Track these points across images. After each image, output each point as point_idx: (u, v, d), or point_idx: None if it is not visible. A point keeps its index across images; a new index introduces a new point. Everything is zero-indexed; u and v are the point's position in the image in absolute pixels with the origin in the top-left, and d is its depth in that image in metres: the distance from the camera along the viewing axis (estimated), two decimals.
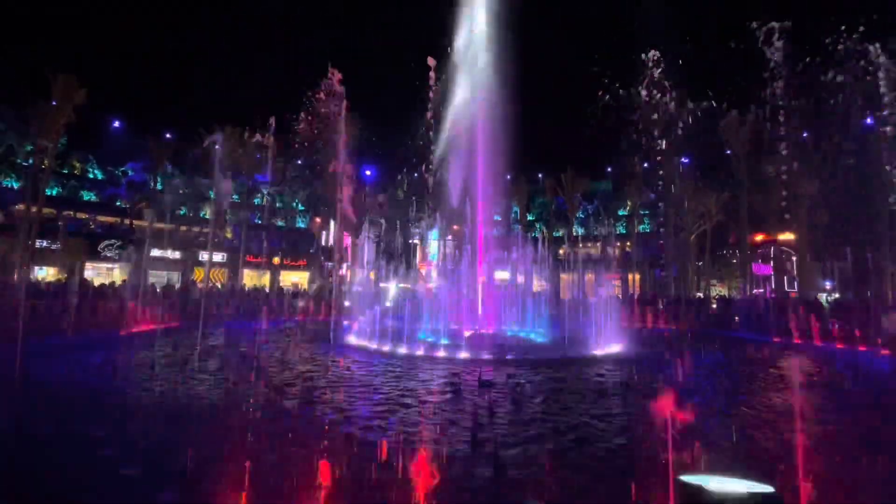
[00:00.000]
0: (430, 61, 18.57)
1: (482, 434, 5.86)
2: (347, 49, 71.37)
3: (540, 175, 46.42)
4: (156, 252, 37.86)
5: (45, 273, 33.63)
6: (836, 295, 30.82)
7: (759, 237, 37.23)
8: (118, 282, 28.18)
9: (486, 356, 12.35)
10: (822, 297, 30.31)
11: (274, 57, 69.83)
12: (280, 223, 47.68)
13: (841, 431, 6.48)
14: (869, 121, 25.99)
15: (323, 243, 43.30)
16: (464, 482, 4.58)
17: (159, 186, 40.59)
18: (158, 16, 67.71)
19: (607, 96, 33.29)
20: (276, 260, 42.26)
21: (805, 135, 28.51)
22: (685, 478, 2.33)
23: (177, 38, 69.13)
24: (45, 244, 33.37)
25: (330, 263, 40.32)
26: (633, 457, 5.43)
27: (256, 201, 43.91)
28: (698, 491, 1.77)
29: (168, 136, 41.05)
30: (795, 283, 34.95)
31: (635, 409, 7.49)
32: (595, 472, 4.95)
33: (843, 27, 24.44)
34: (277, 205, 47.12)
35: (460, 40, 19.55)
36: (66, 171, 40.54)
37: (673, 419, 3.35)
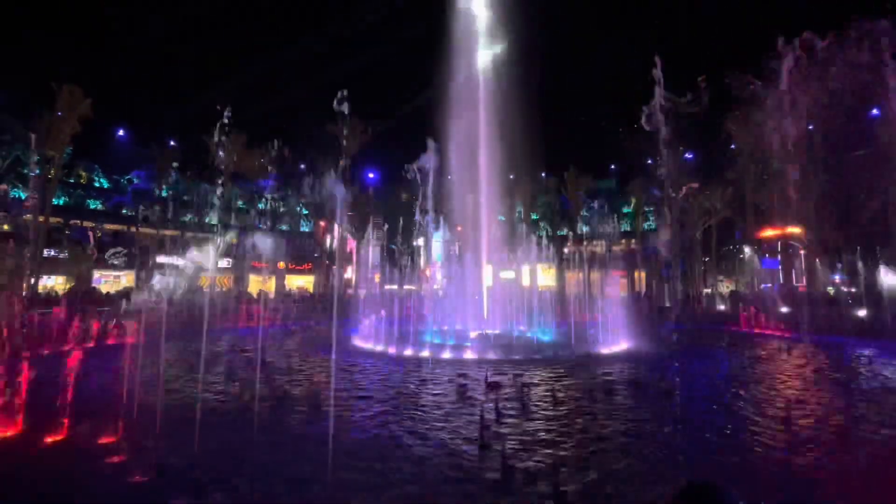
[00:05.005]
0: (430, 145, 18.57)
1: (489, 434, 5.80)
2: (348, 49, 71.64)
3: (543, 174, 46.27)
4: (161, 258, 38.13)
5: (54, 281, 33.94)
6: (845, 289, 30.41)
7: (766, 232, 36.87)
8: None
9: (492, 356, 12.28)
10: (831, 290, 29.94)
11: (277, 60, 70.15)
12: (284, 227, 47.85)
13: None
14: (875, 111, 25.66)
15: (328, 247, 43.39)
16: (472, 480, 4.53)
17: (164, 194, 40.87)
18: (162, 25, 68.22)
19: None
20: (281, 264, 42.37)
21: (811, 126, 28.20)
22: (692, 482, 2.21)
23: (180, 46, 69.56)
24: (52, 253, 33.69)
25: (335, 267, 40.36)
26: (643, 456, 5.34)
27: (261, 206, 44.09)
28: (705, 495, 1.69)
29: (172, 143, 41.36)
30: (804, 278, 34.56)
31: (645, 407, 7.40)
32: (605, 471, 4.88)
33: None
34: (281, 209, 47.31)
35: (461, 40, 19.51)
36: (72, 181, 40.91)
37: None
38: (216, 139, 36.45)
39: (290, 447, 5.47)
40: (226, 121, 33.32)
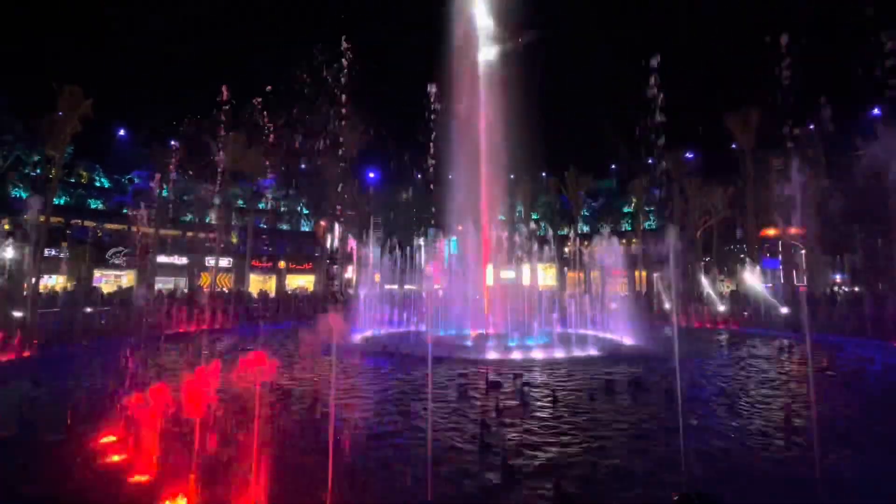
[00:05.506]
0: (431, 89, 18.01)
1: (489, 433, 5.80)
2: (349, 47, 71.31)
3: (543, 174, 46.24)
4: (162, 258, 38.16)
5: (56, 281, 33.99)
6: (846, 288, 30.40)
7: (767, 231, 36.84)
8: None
9: (492, 356, 12.28)
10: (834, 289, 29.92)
11: (278, 61, 70.12)
12: (285, 227, 47.87)
13: None
14: (876, 111, 25.64)
15: (328, 246, 43.40)
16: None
17: (164, 193, 40.90)
18: (162, 25, 68.22)
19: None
20: (282, 264, 42.41)
21: (811, 126, 28.18)
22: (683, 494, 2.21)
23: (180, 46, 69.61)
24: (53, 252, 33.75)
25: (336, 266, 40.40)
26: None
27: (261, 205, 44.09)
28: None
29: (172, 143, 41.39)
30: (805, 277, 34.55)
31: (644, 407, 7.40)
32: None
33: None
34: (282, 209, 47.32)
35: (463, 38, 19.47)
36: (73, 181, 40.95)
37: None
38: (217, 138, 36.49)
39: None
40: (227, 100, 33.34)
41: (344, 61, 33.28)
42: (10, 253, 24.49)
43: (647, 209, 45.44)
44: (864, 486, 4.56)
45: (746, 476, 4.83)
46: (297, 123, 37.76)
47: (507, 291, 18.49)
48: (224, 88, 34.19)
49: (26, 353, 12.02)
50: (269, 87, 36.06)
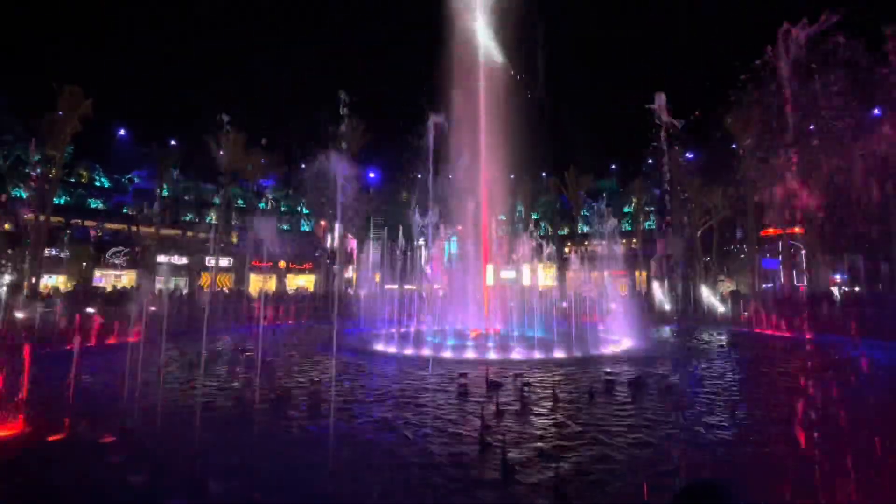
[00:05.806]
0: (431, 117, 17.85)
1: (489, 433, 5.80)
2: (350, 46, 71.49)
3: (543, 174, 46.25)
4: (162, 258, 38.15)
5: (56, 280, 33.99)
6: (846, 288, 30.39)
7: (767, 231, 36.83)
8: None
9: (492, 356, 12.28)
10: (834, 290, 29.91)
11: (278, 61, 70.19)
12: (285, 227, 47.88)
13: None
14: (877, 111, 25.60)
15: (328, 246, 43.41)
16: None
17: (165, 193, 40.95)
18: (163, 25, 68.30)
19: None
20: (282, 264, 42.38)
21: (812, 126, 28.14)
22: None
23: (180, 46, 69.69)
24: (53, 252, 33.78)
25: (336, 266, 40.39)
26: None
27: (261, 205, 44.09)
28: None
29: (173, 143, 41.42)
30: (805, 278, 34.54)
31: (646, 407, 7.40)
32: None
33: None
34: (282, 209, 47.31)
35: (464, 37, 19.45)
36: (73, 180, 40.99)
37: None
38: (217, 139, 36.50)
39: None
40: (226, 119, 33.48)
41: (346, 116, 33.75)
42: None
43: (647, 209, 45.45)
44: (864, 486, 4.55)
45: (746, 476, 4.84)
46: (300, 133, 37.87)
47: (507, 291, 18.51)
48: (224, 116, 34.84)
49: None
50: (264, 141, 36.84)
